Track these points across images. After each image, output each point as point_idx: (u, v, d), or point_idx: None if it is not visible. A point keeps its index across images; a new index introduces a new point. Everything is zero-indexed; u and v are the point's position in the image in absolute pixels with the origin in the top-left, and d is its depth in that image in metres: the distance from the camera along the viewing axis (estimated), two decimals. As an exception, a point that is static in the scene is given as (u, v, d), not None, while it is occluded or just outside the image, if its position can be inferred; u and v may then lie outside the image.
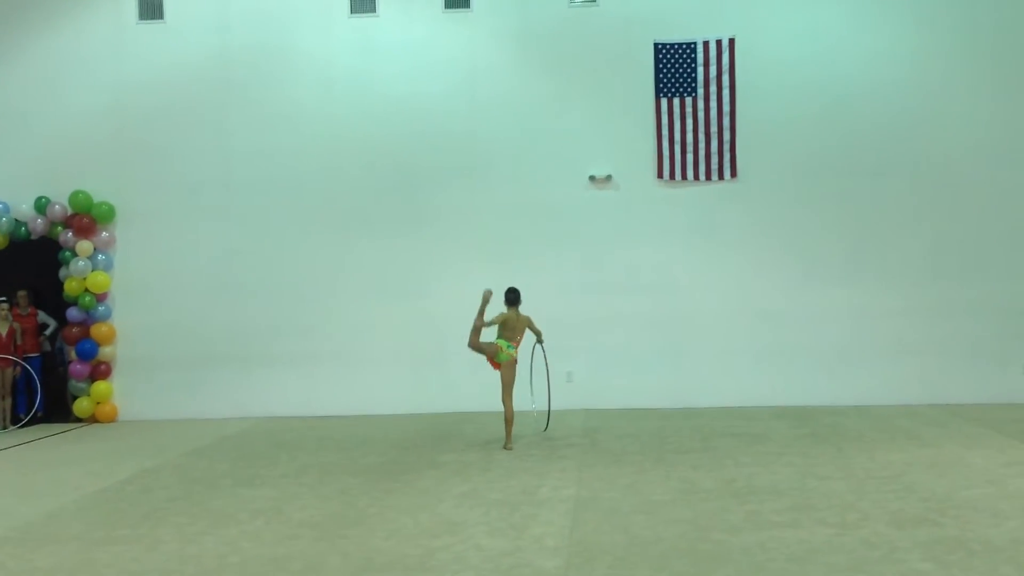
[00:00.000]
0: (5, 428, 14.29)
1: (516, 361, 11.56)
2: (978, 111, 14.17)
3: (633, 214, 14.50)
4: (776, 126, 14.36)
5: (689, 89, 14.42)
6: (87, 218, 14.76)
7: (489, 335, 11.61)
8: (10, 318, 14.44)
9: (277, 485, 9.82)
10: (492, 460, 10.80)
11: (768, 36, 14.39)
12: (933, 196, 14.22)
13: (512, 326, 11.53)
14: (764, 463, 10.17)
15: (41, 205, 14.83)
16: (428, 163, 14.71)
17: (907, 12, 14.28)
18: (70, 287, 14.71)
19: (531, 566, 6.86)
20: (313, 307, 14.79)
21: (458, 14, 14.74)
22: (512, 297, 11.62)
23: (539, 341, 11.86)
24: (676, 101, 14.44)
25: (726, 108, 14.35)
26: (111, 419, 14.87)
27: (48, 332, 15.13)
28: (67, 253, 14.80)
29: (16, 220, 14.85)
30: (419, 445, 11.90)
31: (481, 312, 11.48)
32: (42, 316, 15.06)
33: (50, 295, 15.08)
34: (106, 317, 14.91)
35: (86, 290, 14.71)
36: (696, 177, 14.46)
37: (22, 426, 14.41)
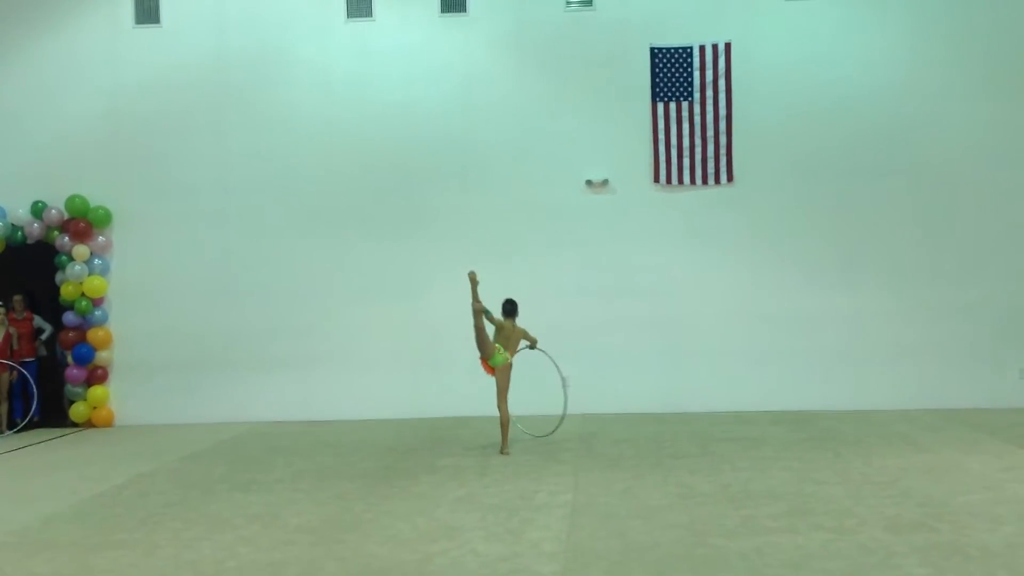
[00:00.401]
0: (1, 433, 14.27)
1: (511, 366, 11.53)
2: (975, 114, 14.20)
3: (630, 218, 14.51)
4: (772, 130, 14.38)
5: (685, 93, 14.43)
6: (83, 222, 14.75)
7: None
8: (6, 323, 14.42)
9: (273, 490, 9.81)
10: (489, 465, 10.79)
11: (764, 40, 14.42)
12: (930, 199, 14.25)
13: (507, 335, 11.52)
14: (761, 468, 10.16)
15: (37, 209, 14.82)
16: (425, 166, 14.72)
17: (903, 15, 14.32)
18: (66, 291, 14.70)
19: (528, 571, 6.85)
20: (310, 311, 14.79)
21: (454, 18, 14.76)
22: (509, 309, 11.62)
23: (531, 347, 11.81)
24: (672, 105, 14.46)
25: (722, 112, 14.37)
26: (107, 424, 14.86)
27: (44, 337, 15.11)
28: (63, 257, 14.79)
29: (12, 224, 14.85)
30: (416, 449, 11.89)
31: (475, 296, 11.44)
32: (38, 321, 15.05)
33: (46, 300, 15.06)
34: (103, 321, 14.90)
35: (82, 294, 14.70)
36: (693, 181, 14.47)
37: (18, 431, 14.39)
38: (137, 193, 14.96)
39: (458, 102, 14.72)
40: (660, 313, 14.41)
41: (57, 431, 14.49)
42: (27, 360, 14.69)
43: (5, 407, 14.47)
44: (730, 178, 14.42)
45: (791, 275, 14.36)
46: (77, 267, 14.63)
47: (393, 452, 11.77)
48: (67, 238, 14.77)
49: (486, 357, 11.46)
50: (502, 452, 11.41)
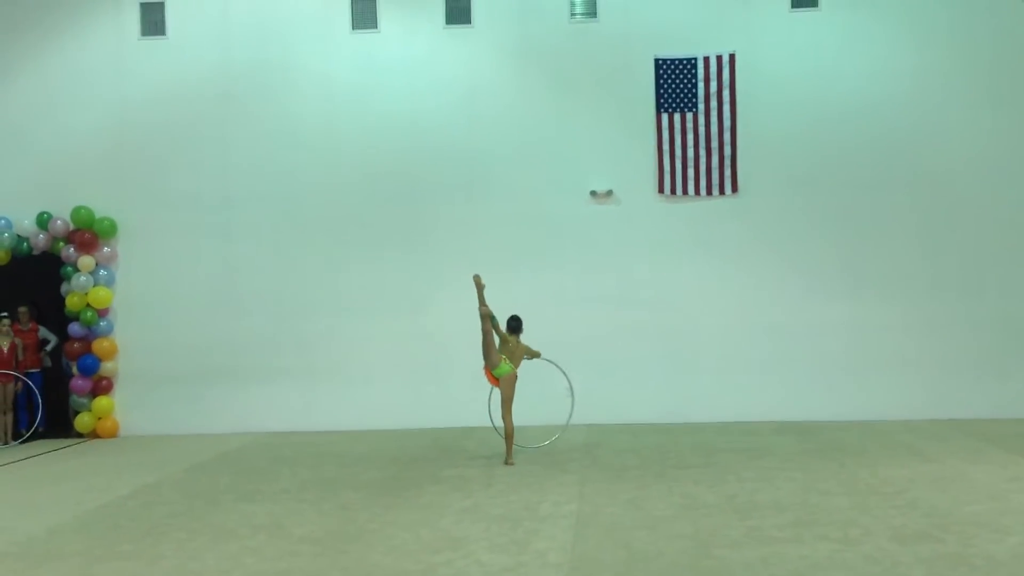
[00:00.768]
0: (6, 443, 14.28)
1: (516, 377, 11.53)
2: (977, 125, 14.22)
3: (634, 229, 14.52)
4: (776, 141, 14.39)
5: (690, 104, 14.46)
6: (89, 233, 14.79)
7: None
8: (11, 333, 14.45)
9: (278, 500, 9.81)
10: (493, 475, 10.79)
11: (768, 51, 14.45)
12: (933, 210, 14.25)
13: (511, 350, 11.54)
14: (766, 478, 10.15)
15: (43, 220, 14.86)
16: (429, 178, 14.75)
17: (905, 28, 14.34)
18: (72, 302, 14.72)
19: (533, 582, 6.85)
20: (314, 321, 14.80)
21: (459, 30, 14.81)
22: (514, 325, 11.65)
23: (531, 357, 11.81)
24: (677, 116, 14.48)
25: (727, 123, 14.39)
26: (112, 434, 14.86)
27: (49, 348, 15.13)
28: (69, 268, 14.82)
29: (18, 235, 14.89)
30: (420, 460, 11.88)
31: (481, 300, 11.47)
32: (43, 332, 15.07)
33: (52, 310, 15.09)
34: (108, 332, 14.92)
35: (88, 305, 14.72)
36: (697, 192, 14.48)
37: (23, 441, 14.40)
38: (142, 204, 15.00)
39: (463, 113, 14.76)
40: (664, 323, 14.41)
41: (62, 442, 14.50)
42: (32, 371, 14.71)
43: (10, 418, 14.49)
44: (734, 189, 14.43)
45: (795, 285, 14.36)
46: (82, 278, 14.66)
47: (397, 462, 11.76)
48: (72, 249, 14.80)
49: (491, 367, 11.46)
50: (506, 463, 11.39)
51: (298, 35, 14.97)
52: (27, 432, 14.60)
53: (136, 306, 14.97)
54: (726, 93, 14.40)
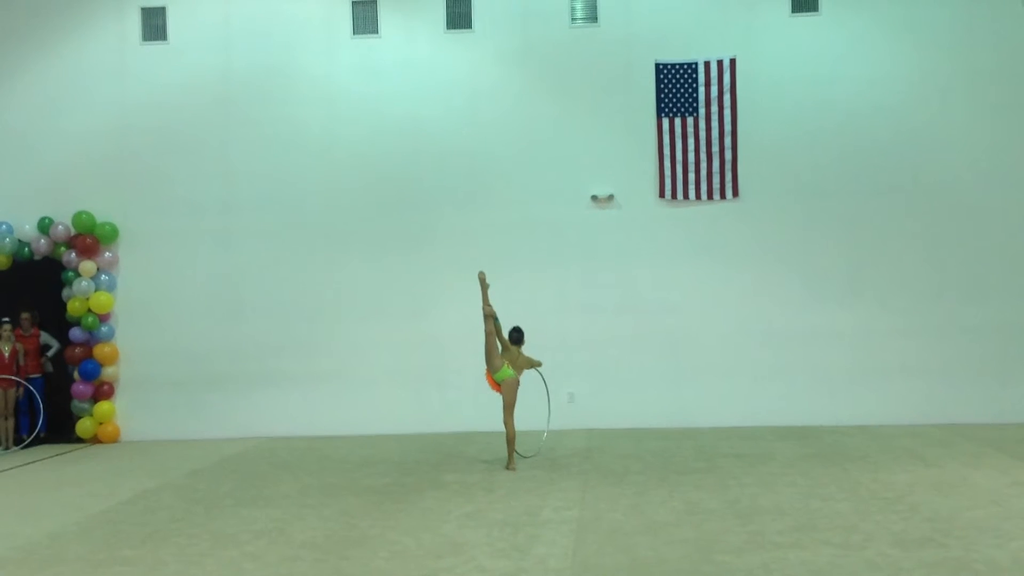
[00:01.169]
0: (8, 449, 14.28)
1: (518, 383, 11.52)
2: (979, 131, 14.21)
3: (635, 233, 14.52)
4: (777, 146, 14.40)
5: (690, 109, 14.47)
6: (90, 238, 14.80)
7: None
8: (12, 338, 14.44)
9: (279, 506, 9.81)
10: (495, 480, 10.78)
11: (769, 56, 14.45)
12: (934, 215, 14.24)
13: (513, 359, 11.55)
14: (767, 483, 10.14)
15: (44, 225, 14.87)
16: (430, 183, 14.76)
17: (906, 33, 14.34)
18: (73, 307, 14.73)
19: (534, 587, 6.85)
20: (315, 327, 14.80)
21: (460, 35, 14.82)
22: (516, 336, 11.65)
23: (532, 367, 11.82)
24: (677, 121, 14.49)
25: (727, 128, 14.40)
26: (114, 439, 14.86)
27: (51, 353, 15.12)
28: (70, 273, 14.83)
29: (19, 240, 14.90)
30: (421, 465, 11.88)
31: (485, 299, 11.49)
32: (45, 337, 15.05)
33: (53, 315, 15.08)
34: (109, 337, 14.92)
35: (89, 310, 14.73)
36: (698, 196, 14.49)
37: (25, 447, 14.40)
38: (144, 209, 15.01)
39: (464, 118, 14.77)
40: (665, 328, 14.41)
41: (63, 447, 14.50)
42: (33, 376, 14.70)
43: (11, 423, 14.48)
44: (735, 193, 14.43)
45: (796, 290, 14.35)
46: (84, 283, 14.66)
47: (399, 468, 11.76)
48: (74, 254, 14.81)
49: (492, 371, 11.46)
50: (508, 468, 11.39)
51: (299, 40, 14.98)
52: (28, 437, 14.59)
53: (137, 311, 14.97)
54: (727, 98, 14.41)
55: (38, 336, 14.91)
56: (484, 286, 11.59)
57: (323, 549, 8.05)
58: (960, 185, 14.22)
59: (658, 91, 14.50)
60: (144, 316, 14.95)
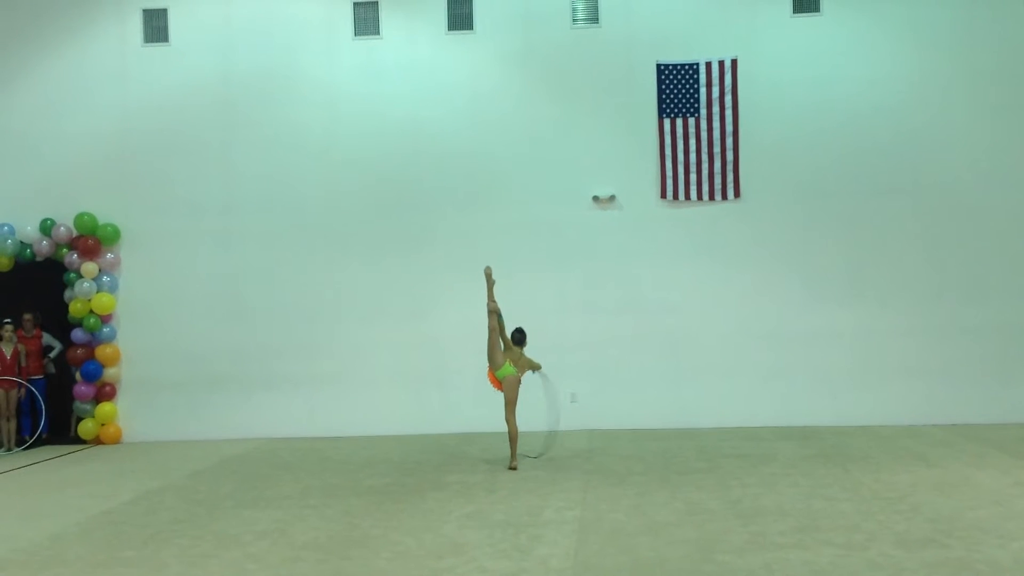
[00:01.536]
0: (9, 450, 14.28)
1: (519, 381, 11.53)
2: (979, 131, 14.21)
3: (636, 234, 14.52)
4: (779, 146, 14.39)
5: (692, 109, 14.47)
6: (92, 240, 14.81)
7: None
8: (14, 340, 14.45)
9: (281, 506, 9.81)
10: (496, 481, 10.78)
11: (770, 57, 14.45)
12: (935, 216, 14.24)
13: (515, 359, 11.56)
14: (769, 484, 10.14)
15: (46, 227, 14.89)
16: (431, 184, 14.76)
17: (907, 33, 14.34)
18: (75, 309, 14.74)
19: (536, 588, 6.85)
20: (316, 328, 14.81)
21: (461, 36, 14.83)
22: (518, 338, 11.65)
23: (532, 369, 11.81)
24: (679, 121, 14.49)
25: (729, 128, 14.40)
26: (115, 440, 14.87)
27: (53, 354, 15.13)
28: (72, 275, 14.84)
29: (21, 242, 14.91)
30: (423, 466, 11.88)
31: (490, 295, 11.51)
32: (47, 338, 15.06)
33: (55, 317, 15.09)
34: (111, 338, 14.93)
35: (91, 311, 14.74)
36: (699, 197, 14.49)
37: (27, 448, 14.41)
38: (145, 211, 15.02)
39: (465, 119, 14.77)
40: (666, 329, 14.41)
41: (65, 448, 14.50)
42: (35, 377, 14.71)
43: (13, 424, 14.49)
44: (737, 194, 14.43)
45: (797, 291, 14.35)
46: (86, 284, 14.67)
47: (400, 468, 11.76)
48: (76, 255, 14.82)
49: (494, 368, 11.47)
50: (511, 466, 11.39)
51: (300, 42, 14.99)
52: (30, 438, 14.60)
53: (139, 312, 14.98)
54: (728, 98, 14.41)
55: (40, 337, 14.93)
56: (490, 282, 11.62)
57: (325, 550, 8.05)
58: (960, 185, 14.21)
59: (659, 92, 14.50)
60: (146, 317, 14.96)
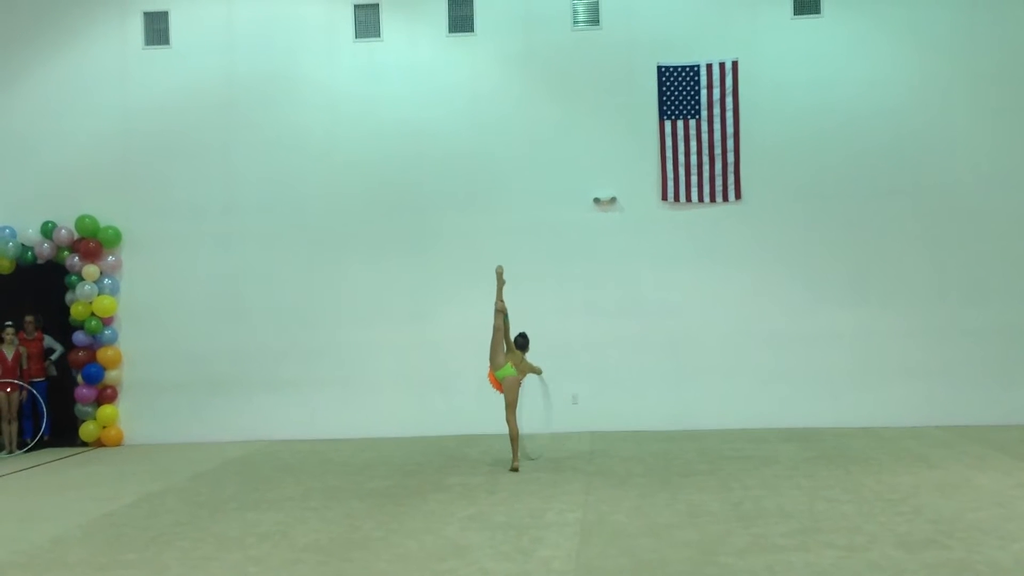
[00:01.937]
0: (11, 452, 14.29)
1: (520, 383, 11.54)
2: (980, 133, 14.21)
3: (637, 236, 14.52)
4: (780, 148, 14.40)
5: (693, 111, 14.47)
6: (93, 242, 14.82)
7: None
8: (16, 342, 14.46)
9: (282, 509, 9.81)
10: (498, 483, 10.78)
11: (771, 59, 14.46)
12: (936, 217, 14.23)
13: (516, 362, 11.57)
14: (770, 485, 10.14)
15: (47, 229, 14.89)
16: (432, 186, 14.76)
17: (908, 35, 14.34)
18: (76, 311, 14.75)
19: (537, 590, 6.85)
20: (317, 330, 14.81)
21: (462, 38, 14.84)
22: (521, 342, 11.65)
23: (534, 373, 11.82)
24: (680, 123, 14.50)
25: (730, 130, 14.40)
26: (117, 443, 14.87)
27: (55, 357, 15.14)
28: (73, 277, 14.85)
29: (23, 245, 14.91)
30: (424, 468, 11.88)
31: (499, 294, 11.52)
32: (48, 341, 15.08)
33: (56, 319, 15.10)
34: (112, 341, 14.94)
35: (92, 314, 14.74)
36: (700, 199, 14.49)
37: (28, 450, 14.41)
38: (146, 213, 15.03)
39: (466, 121, 14.78)
40: (668, 330, 14.41)
41: (66, 451, 14.50)
42: (36, 380, 14.72)
43: (15, 427, 14.49)
44: (738, 196, 14.43)
45: (798, 292, 14.35)
46: (87, 287, 14.68)
47: (401, 471, 11.76)
48: (77, 258, 14.83)
49: (494, 368, 11.49)
50: (512, 468, 11.40)
51: (301, 44, 15.00)
52: (32, 441, 14.61)
53: (140, 315, 14.99)
54: (729, 100, 14.41)
55: (41, 340, 14.94)
56: (500, 281, 11.63)
57: (326, 552, 8.05)
58: (961, 187, 14.21)
59: (660, 94, 14.50)
60: (147, 320, 14.96)
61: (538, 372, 11.77)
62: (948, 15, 14.27)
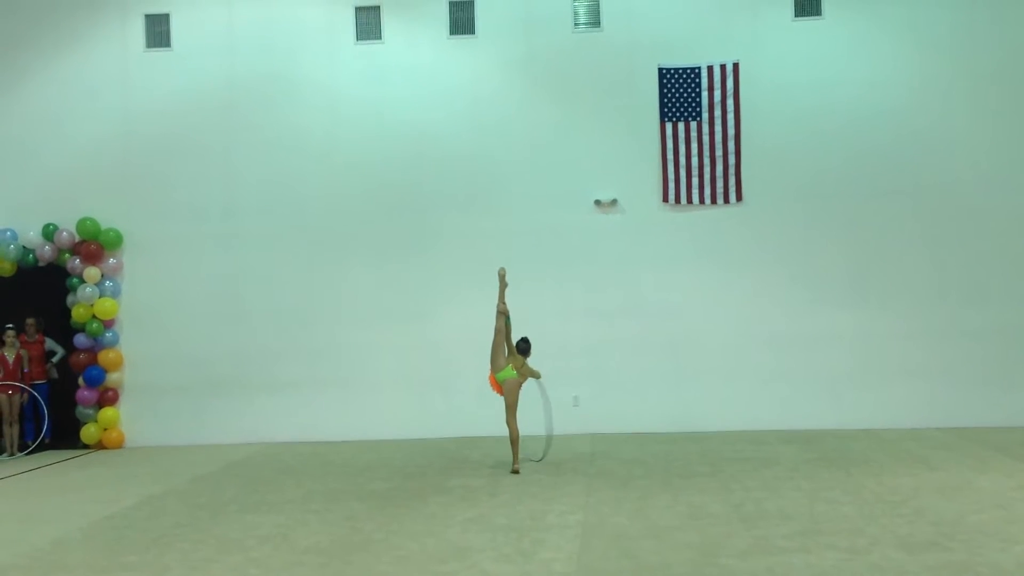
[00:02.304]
0: (12, 455, 14.27)
1: (520, 384, 11.54)
2: (980, 134, 14.21)
3: (638, 238, 14.52)
4: (780, 150, 14.40)
5: (694, 113, 14.47)
6: (94, 245, 14.83)
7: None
8: (17, 345, 14.46)
9: (283, 511, 9.81)
10: (499, 485, 10.78)
11: (771, 60, 14.46)
12: (937, 219, 14.23)
13: (517, 367, 11.57)
14: (772, 487, 10.13)
15: (49, 232, 14.90)
16: (433, 188, 14.77)
17: (909, 36, 14.34)
18: (78, 314, 14.75)
19: (538, 592, 6.85)
20: (318, 332, 14.81)
21: (463, 40, 14.85)
22: (523, 347, 11.66)
23: (534, 377, 11.83)
24: (681, 125, 14.50)
25: (731, 132, 14.40)
26: (118, 445, 14.87)
27: (55, 359, 15.13)
28: (74, 280, 14.86)
29: (24, 247, 14.92)
30: (425, 470, 11.88)
31: (501, 297, 11.53)
32: (50, 343, 15.07)
33: (57, 322, 15.09)
34: (113, 343, 14.94)
35: (93, 316, 14.75)
36: (701, 201, 14.49)
37: (29, 453, 14.40)
38: (148, 215, 15.03)
39: (466, 123, 14.78)
40: (668, 332, 14.40)
41: (67, 453, 14.50)
42: (38, 382, 14.72)
43: (16, 429, 14.48)
44: (739, 197, 14.43)
45: (799, 294, 14.35)
46: (88, 289, 14.69)
47: (402, 473, 11.76)
48: (78, 260, 14.84)
49: (495, 370, 11.49)
50: (513, 470, 11.40)
51: (302, 46, 15.01)
52: (33, 443, 14.61)
53: (142, 317, 14.99)
54: (730, 102, 14.41)
55: (43, 342, 14.94)
56: (503, 284, 11.65)
57: (327, 554, 8.05)
58: (962, 188, 14.21)
59: (661, 95, 14.50)
60: (148, 322, 14.96)
61: (537, 376, 11.77)
62: (948, 16, 14.27)
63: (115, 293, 14.96)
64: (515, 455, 11.50)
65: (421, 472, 11.77)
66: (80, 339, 14.80)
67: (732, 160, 14.40)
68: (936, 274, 14.20)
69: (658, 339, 14.41)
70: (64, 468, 13.36)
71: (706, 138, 14.45)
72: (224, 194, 15.02)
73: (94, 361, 14.81)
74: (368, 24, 14.96)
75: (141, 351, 14.97)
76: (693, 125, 14.48)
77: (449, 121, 14.79)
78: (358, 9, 14.97)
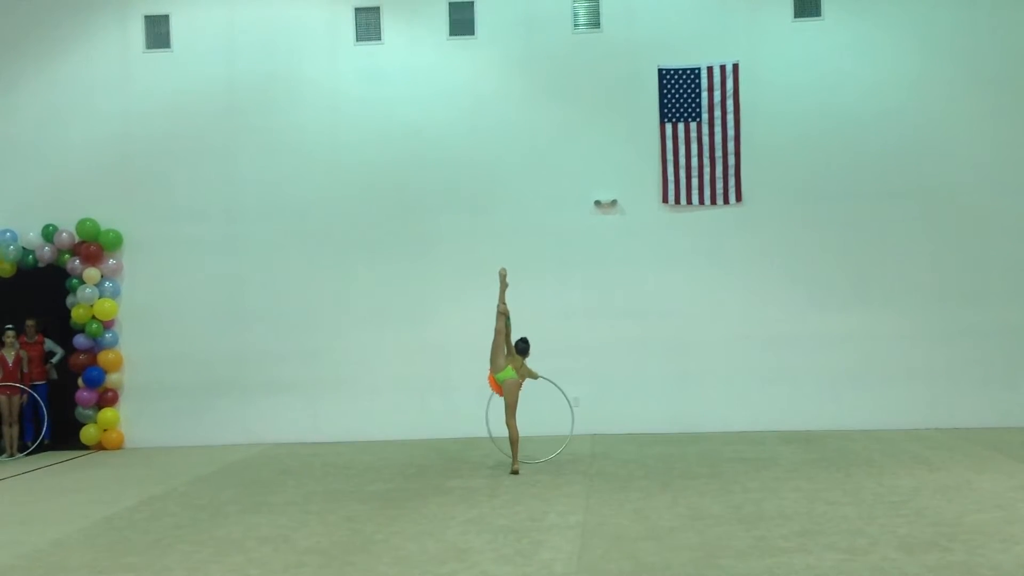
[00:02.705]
0: (12, 456, 14.27)
1: (520, 385, 11.55)
2: (981, 135, 14.21)
3: (638, 239, 14.52)
4: (781, 151, 14.40)
5: (694, 114, 14.47)
6: (94, 246, 14.82)
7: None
8: (17, 345, 14.45)
9: (283, 512, 9.81)
10: (499, 486, 10.78)
11: (771, 61, 14.46)
12: (938, 220, 14.23)
13: (516, 367, 11.58)
14: (772, 488, 10.13)
15: (48, 233, 14.90)
16: (433, 189, 14.76)
17: (910, 37, 14.35)
18: (77, 314, 14.75)
19: (538, 593, 6.84)
20: (319, 333, 14.80)
21: (463, 41, 14.85)
22: (523, 347, 11.67)
23: (532, 377, 11.83)
24: (681, 126, 14.50)
25: (731, 133, 14.40)
26: (117, 446, 14.87)
27: (55, 360, 15.13)
28: (74, 280, 14.86)
29: (24, 248, 14.92)
30: (425, 471, 11.88)
31: (502, 297, 11.54)
32: (49, 344, 15.07)
33: (57, 322, 15.09)
34: (113, 344, 14.94)
35: (93, 317, 14.75)
36: (701, 202, 14.49)
37: (29, 454, 14.40)
38: (147, 216, 15.03)
39: (467, 124, 14.78)
40: (669, 333, 14.40)
41: (67, 454, 14.49)
42: (37, 383, 14.71)
43: (16, 430, 14.48)
44: (739, 198, 14.43)
45: (800, 295, 14.34)
46: (88, 290, 14.69)
47: (403, 474, 11.76)
48: (78, 261, 14.84)
49: (495, 370, 11.50)
50: (513, 471, 11.40)
51: (302, 47, 15.00)
52: (33, 444, 14.60)
53: (141, 318, 14.99)
54: (730, 103, 14.42)
55: (42, 343, 14.93)
56: (503, 284, 11.66)
57: (327, 555, 8.05)
58: (964, 189, 14.21)
59: (661, 96, 14.51)
60: (148, 323, 14.96)
61: (535, 377, 11.78)
62: (949, 17, 14.27)
63: (115, 294, 14.96)
64: (514, 455, 11.50)
65: (421, 473, 11.77)
66: (80, 340, 14.80)
67: (732, 161, 14.41)
68: (936, 274, 14.20)
69: (658, 340, 14.40)
70: (64, 469, 13.36)
71: (706, 139, 14.45)
72: (224, 195, 15.02)
73: (94, 362, 14.81)
74: (368, 25, 14.97)
75: (141, 352, 14.96)
76: (693, 126, 14.48)
77: (449, 122, 14.79)
78: (358, 10, 14.97)
